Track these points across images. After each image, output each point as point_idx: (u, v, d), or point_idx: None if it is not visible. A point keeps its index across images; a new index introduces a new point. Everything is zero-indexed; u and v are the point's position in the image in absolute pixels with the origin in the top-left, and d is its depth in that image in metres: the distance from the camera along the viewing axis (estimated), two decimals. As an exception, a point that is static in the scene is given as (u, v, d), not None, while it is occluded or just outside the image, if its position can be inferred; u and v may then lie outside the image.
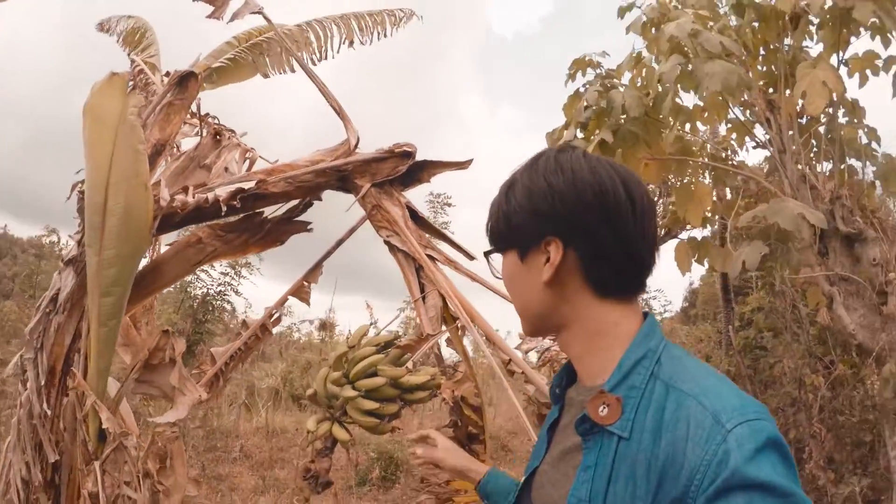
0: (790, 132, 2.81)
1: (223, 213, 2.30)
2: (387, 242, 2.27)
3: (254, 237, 2.55)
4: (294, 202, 2.56)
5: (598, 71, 3.31)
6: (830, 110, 2.98)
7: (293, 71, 3.51)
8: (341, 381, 1.62)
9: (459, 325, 2.10)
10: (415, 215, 2.33)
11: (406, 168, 2.32)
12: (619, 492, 0.67)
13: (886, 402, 2.25)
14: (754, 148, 3.21)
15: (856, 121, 2.78)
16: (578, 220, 0.77)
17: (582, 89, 3.28)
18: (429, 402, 1.71)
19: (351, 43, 3.46)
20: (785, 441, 0.62)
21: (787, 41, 2.79)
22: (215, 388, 2.70)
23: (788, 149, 2.75)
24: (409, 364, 1.69)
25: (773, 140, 2.80)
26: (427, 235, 2.33)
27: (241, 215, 2.56)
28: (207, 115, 2.98)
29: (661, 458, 0.64)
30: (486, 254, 0.91)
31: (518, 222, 0.81)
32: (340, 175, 2.40)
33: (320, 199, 2.53)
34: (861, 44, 2.45)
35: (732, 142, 3.48)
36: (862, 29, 2.38)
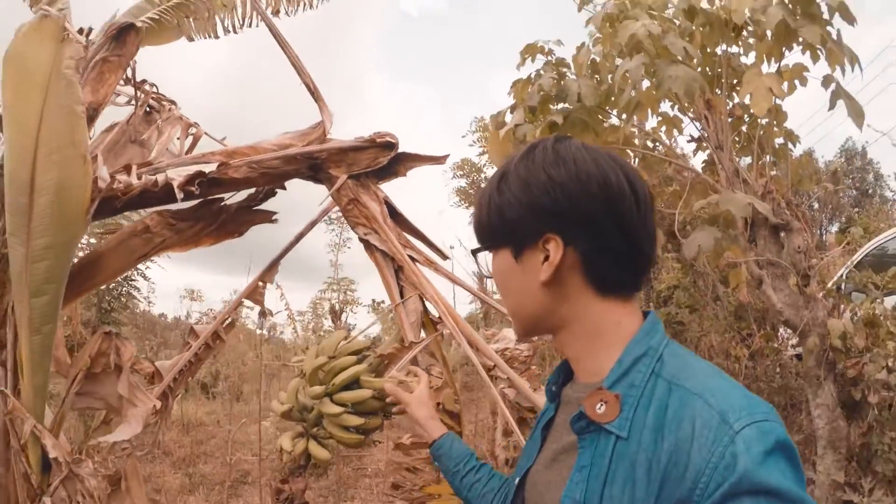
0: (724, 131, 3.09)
1: (180, 200, 1.97)
2: (363, 240, 2.10)
3: (209, 227, 2.27)
4: (251, 190, 2.29)
5: (549, 59, 3.41)
6: (753, 112, 3.33)
7: (217, 37, 3.23)
8: (320, 394, 1.49)
9: (444, 331, 2.00)
10: (393, 212, 2.17)
11: (387, 160, 2.14)
12: (615, 494, 0.64)
13: (809, 369, 2.62)
14: (688, 142, 3.50)
15: (776, 124, 3.13)
16: (582, 214, 0.72)
17: (533, 74, 3.37)
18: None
19: (277, 12, 3.24)
20: (793, 443, 0.60)
21: (723, 47, 3.05)
22: (164, 410, 2.41)
23: (725, 145, 3.03)
24: (393, 373, 1.58)
25: (710, 136, 3.07)
26: (404, 234, 2.17)
27: (195, 202, 2.32)
28: (144, 81, 2.64)
29: (663, 458, 0.61)
30: (475, 252, 0.86)
31: (513, 217, 0.76)
32: (312, 163, 2.17)
33: (284, 188, 2.30)
34: (791, 56, 2.82)
35: (661, 134, 3.75)
36: (795, 44, 2.68)
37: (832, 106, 2.60)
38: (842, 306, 2.75)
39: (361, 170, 2.14)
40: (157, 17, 3.14)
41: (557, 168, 0.73)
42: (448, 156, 2.55)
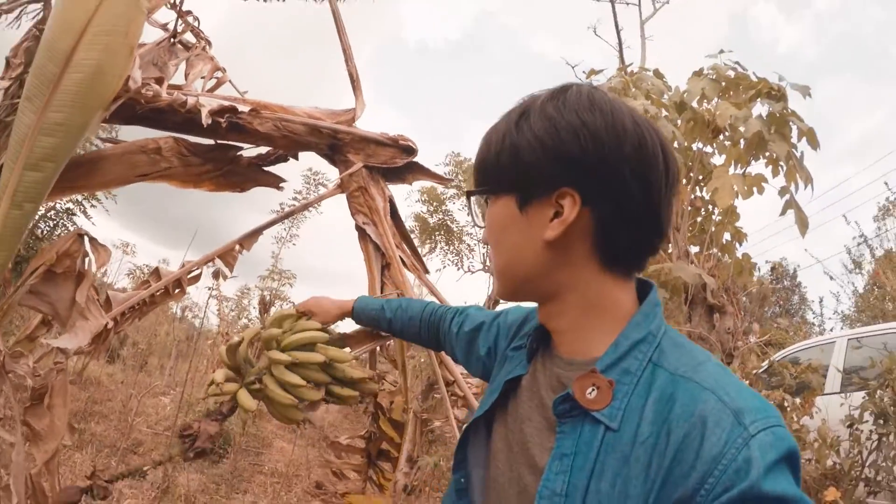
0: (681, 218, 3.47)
1: (204, 126, 1.95)
2: (359, 228, 2.12)
3: (216, 172, 2.25)
4: (264, 149, 2.30)
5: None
6: (711, 207, 3.75)
7: None
8: (271, 343, 1.41)
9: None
10: (394, 212, 2.20)
11: (403, 164, 2.20)
12: (603, 489, 0.59)
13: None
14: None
15: (728, 221, 3.54)
16: (610, 171, 0.64)
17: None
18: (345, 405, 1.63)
19: None
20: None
21: (699, 144, 3.47)
22: (102, 339, 2.31)
23: (681, 229, 3.39)
24: (349, 351, 1.51)
25: (670, 219, 3.43)
26: (399, 236, 2.20)
27: (210, 144, 2.32)
28: (190, 11, 2.67)
29: (668, 454, 0.56)
30: (470, 194, 0.76)
31: (529, 160, 0.66)
32: (334, 143, 2.21)
33: (297, 159, 2.32)
34: (755, 167, 3.27)
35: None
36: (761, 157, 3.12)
37: (783, 212, 3.01)
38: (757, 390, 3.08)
39: (377, 164, 2.18)
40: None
41: (592, 114, 0.64)
42: (453, 180, 2.68)
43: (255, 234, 2.29)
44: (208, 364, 6.39)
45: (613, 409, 0.61)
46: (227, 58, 2.65)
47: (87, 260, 2.18)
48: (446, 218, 10.13)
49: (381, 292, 2.06)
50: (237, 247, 2.29)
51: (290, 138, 2.16)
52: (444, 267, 9.98)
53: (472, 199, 0.76)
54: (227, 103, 2.03)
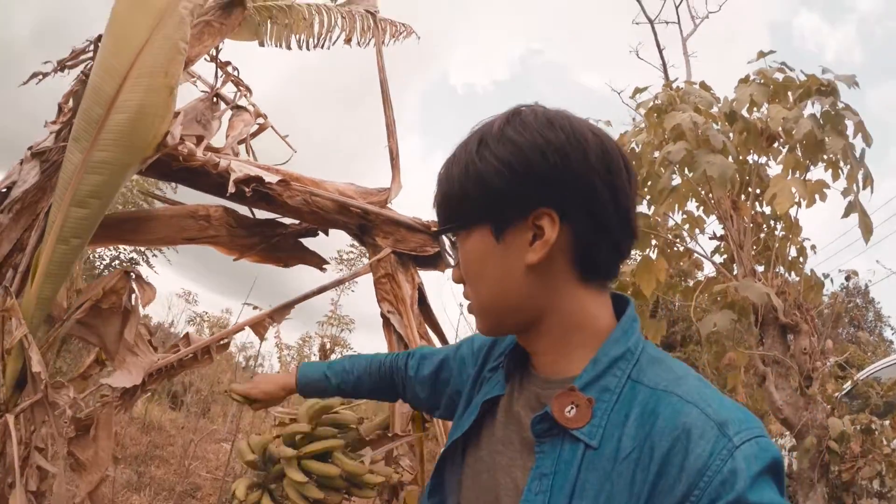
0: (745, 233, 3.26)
1: (227, 194, 1.97)
2: (384, 317, 2.05)
3: (261, 245, 2.27)
4: (295, 222, 2.28)
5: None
6: (773, 222, 3.51)
7: (289, 48, 3.39)
8: (290, 456, 1.45)
9: (430, 434, 1.94)
10: (422, 300, 2.13)
11: (434, 252, 2.09)
12: None
13: (802, 471, 2.60)
14: (710, 239, 3.66)
15: (790, 236, 3.29)
16: (583, 185, 0.63)
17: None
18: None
19: (349, 41, 3.41)
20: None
21: (754, 157, 3.29)
22: (130, 399, 2.34)
23: (745, 246, 3.18)
24: (368, 458, 1.55)
25: (732, 236, 3.23)
26: (425, 325, 2.12)
27: (263, 218, 2.24)
28: (229, 62, 2.79)
29: (653, 469, 0.55)
30: (439, 233, 0.73)
31: (499, 187, 0.64)
32: (363, 223, 2.13)
33: (326, 234, 2.29)
34: (814, 173, 3.06)
35: (685, 231, 3.91)
36: (820, 163, 2.91)
37: (846, 214, 2.77)
38: (840, 413, 2.79)
39: (406, 250, 2.09)
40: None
41: (554, 131, 0.64)
42: None
43: (287, 307, 2.27)
44: (266, 413, 6.43)
45: (593, 426, 0.60)
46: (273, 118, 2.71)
47: (133, 297, 2.24)
48: None
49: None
50: (268, 319, 2.29)
51: (319, 214, 2.13)
52: None
53: (442, 238, 0.74)
54: (254, 172, 2.03)
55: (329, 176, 2.24)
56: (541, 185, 0.63)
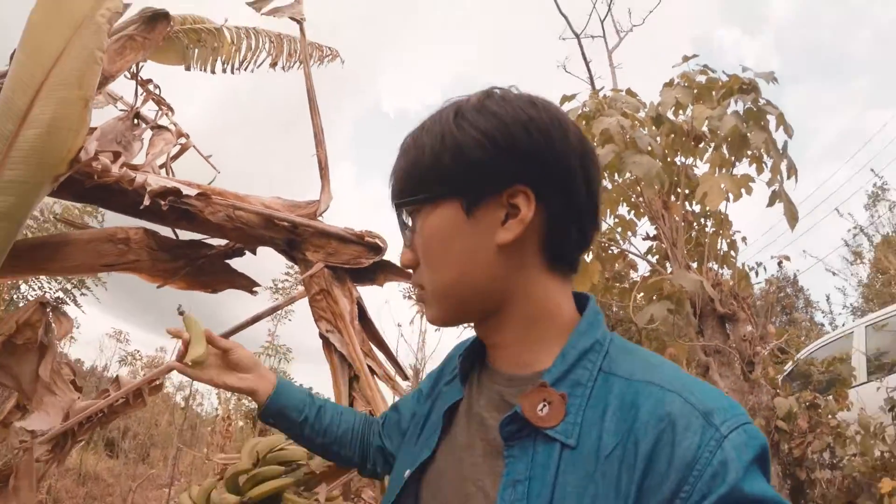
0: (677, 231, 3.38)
1: (140, 208, 1.84)
2: (323, 337, 1.94)
3: (185, 269, 2.12)
4: (221, 242, 2.16)
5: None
6: (703, 220, 3.66)
7: (213, 72, 3.33)
8: (232, 502, 1.36)
9: None
10: (363, 315, 2.03)
11: (369, 263, 2.01)
12: None
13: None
14: (644, 240, 3.77)
15: (721, 231, 3.44)
16: (563, 165, 0.61)
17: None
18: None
19: (274, 64, 3.38)
20: None
21: (681, 158, 3.43)
22: (61, 451, 2.09)
23: (679, 243, 3.29)
24: (322, 496, 1.49)
25: (665, 234, 3.34)
26: (369, 342, 2.03)
27: (186, 239, 2.12)
28: (151, 80, 2.68)
29: (639, 465, 0.51)
30: (401, 205, 0.66)
31: (479, 159, 0.60)
32: (291, 238, 2.03)
33: (254, 253, 2.16)
34: (740, 168, 3.22)
35: (617, 234, 4.02)
36: (744, 158, 3.06)
37: (771, 203, 2.92)
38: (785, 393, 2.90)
39: (340, 263, 2.00)
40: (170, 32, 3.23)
41: (536, 110, 0.62)
42: None
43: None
44: (208, 451, 6.13)
45: (568, 424, 0.56)
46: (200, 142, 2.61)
47: (50, 331, 2.08)
48: None
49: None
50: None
51: (244, 230, 2.01)
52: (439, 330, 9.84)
53: (399, 214, 0.67)
54: (171, 184, 1.89)
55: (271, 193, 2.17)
56: (521, 161, 0.60)
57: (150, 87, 2.72)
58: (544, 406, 0.57)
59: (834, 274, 11.12)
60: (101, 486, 5.02)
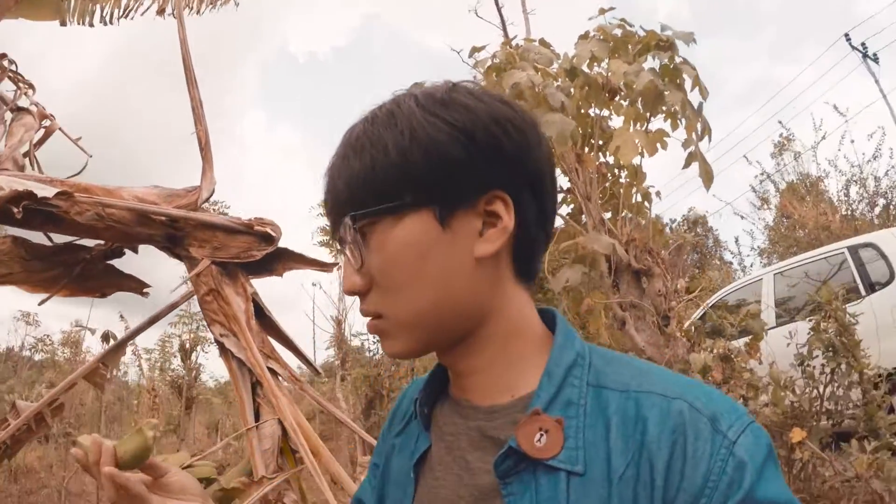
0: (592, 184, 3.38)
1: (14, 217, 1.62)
2: (218, 342, 1.81)
3: (67, 276, 1.94)
4: (99, 242, 1.97)
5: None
6: (617, 171, 3.68)
7: (92, 25, 2.99)
8: None
9: (300, 466, 1.72)
10: (260, 312, 1.90)
11: (262, 255, 1.86)
12: None
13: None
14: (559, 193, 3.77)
15: (635, 183, 3.47)
16: (535, 170, 0.56)
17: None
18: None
19: (161, 11, 3.06)
20: None
21: (596, 110, 3.38)
22: None
23: (592, 197, 3.30)
24: None
25: (578, 188, 3.34)
26: (270, 339, 1.91)
27: (61, 243, 1.92)
28: (5, 55, 2.36)
29: (657, 484, 0.48)
30: (357, 217, 0.54)
31: (458, 159, 0.52)
32: (172, 233, 1.86)
33: (135, 251, 1.98)
34: (655, 123, 3.22)
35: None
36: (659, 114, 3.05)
37: (687, 165, 2.95)
38: (699, 346, 3.04)
39: (229, 258, 1.85)
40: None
41: (510, 107, 0.56)
42: (337, 265, 2.35)
43: (120, 348, 2.05)
44: (136, 425, 5.98)
45: (570, 450, 0.51)
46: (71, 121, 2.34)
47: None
48: None
49: (256, 419, 1.73)
50: (101, 366, 2.03)
51: (117, 230, 1.82)
52: None
53: (348, 228, 0.55)
54: (23, 187, 1.65)
55: (164, 173, 1.96)
56: (500, 164, 0.54)
57: (5, 62, 2.41)
58: (541, 436, 0.52)
59: (742, 217, 11.62)
60: (34, 479, 4.83)
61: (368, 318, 0.58)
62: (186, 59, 2.15)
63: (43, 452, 5.75)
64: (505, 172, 0.54)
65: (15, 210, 1.71)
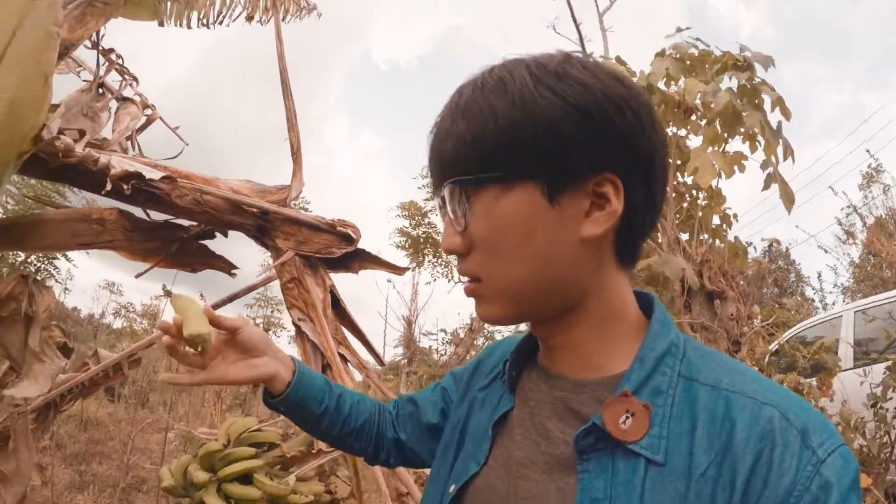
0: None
1: (102, 192, 1.81)
2: (296, 325, 1.93)
3: (164, 250, 2.11)
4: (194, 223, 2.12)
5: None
6: (695, 192, 3.59)
7: (189, 27, 3.20)
8: (205, 482, 1.39)
9: None
10: (336, 303, 2.01)
11: (341, 254, 1.97)
12: None
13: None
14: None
15: (713, 205, 3.38)
16: (648, 153, 0.54)
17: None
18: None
19: (250, 18, 3.23)
20: None
21: (673, 129, 3.32)
22: (44, 421, 2.21)
23: (668, 216, 3.24)
24: (292, 479, 1.50)
25: (655, 206, 3.28)
26: (343, 329, 2.01)
27: (161, 220, 2.10)
28: (112, 49, 2.58)
29: (738, 488, 0.47)
30: (463, 183, 0.54)
31: (569, 135, 0.51)
32: (261, 224, 1.99)
33: (225, 235, 2.12)
34: (732, 145, 3.10)
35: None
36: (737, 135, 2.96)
37: (766, 186, 2.84)
38: (770, 377, 2.93)
39: (310, 252, 1.96)
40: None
41: (626, 87, 0.54)
42: (409, 268, 2.41)
43: None
44: (205, 397, 6.34)
45: (653, 438, 0.50)
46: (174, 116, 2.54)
47: (34, 302, 2.12)
48: (430, 230, 10.05)
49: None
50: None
51: (212, 216, 1.97)
52: (435, 279, 9.90)
53: (454, 192, 0.55)
54: (134, 168, 1.84)
55: (249, 168, 2.12)
56: (612, 144, 0.52)
57: (113, 56, 2.62)
58: (627, 418, 0.51)
59: (826, 251, 11.05)
60: (102, 431, 5.24)
61: (465, 280, 0.59)
62: (283, 71, 2.30)
63: (113, 409, 6.20)
64: (617, 154, 0.52)
65: (125, 187, 1.88)
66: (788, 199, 2.80)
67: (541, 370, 0.62)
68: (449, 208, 0.56)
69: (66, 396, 2.33)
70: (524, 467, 0.57)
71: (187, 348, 0.71)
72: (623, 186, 0.53)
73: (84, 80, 2.38)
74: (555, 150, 0.51)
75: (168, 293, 0.81)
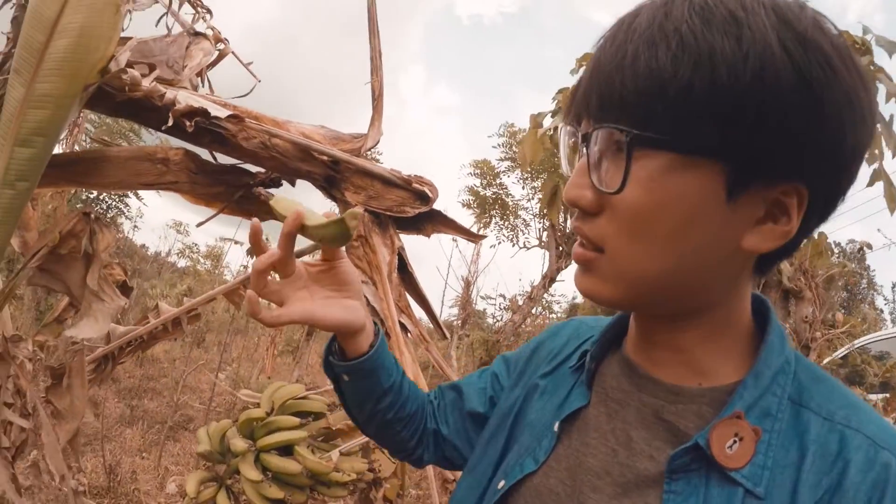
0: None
1: (162, 127, 1.74)
2: None
3: (228, 196, 2.01)
4: (261, 170, 2.01)
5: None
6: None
7: None
8: (243, 450, 1.33)
9: None
10: (402, 266, 1.86)
11: (415, 213, 1.83)
12: None
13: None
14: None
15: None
16: (850, 167, 0.44)
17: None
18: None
19: None
20: None
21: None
22: (102, 371, 2.21)
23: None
24: (336, 454, 1.42)
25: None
26: (407, 296, 1.87)
27: (227, 164, 2.13)
28: None
29: None
30: (637, 140, 0.42)
31: (786, 125, 0.40)
32: (330, 174, 1.87)
33: (292, 185, 2.00)
34: None
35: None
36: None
37: (871, 183, 2.58)
38: None
39: (380, 209, 1.83)
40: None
41: (865, 89, 0.42)
42: (486, 236, 2.31)
43: None
44: (259, 341, 6.51)
45: (756, 466, 0.45)
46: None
47: (94, 240, 2.13)
48: (501, 192, 9.86)
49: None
50: (241, 288, 2.20)
51: (279, 161, 1.84)
52: (500, 243, 9.79)
53: (613, 139, 0.44)
54: (199, 104, 1.74)
55: (324, 117, 2.02)
56: (824, 153, 0.42)
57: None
58: (734, 442, 0.45)
59: None
60: (157, 367, 5.48)
61: (579, 243, 0.49)
62: (371, 7, 2.16)
63: (169, 347, 6.47)
64: (821, 166, 0.42)
65: (188, 124, 1.82)
66: (892, 198, 2.51)
67: (626, 365, 0.54)
68: (596, 155, 0.45)
69: (124, 349, 2.36)
70: (596, 478, 0.50)
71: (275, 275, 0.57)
72: (808, 204, 0.43)
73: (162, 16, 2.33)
74: (769, 134, 0.40)
75: (230, 240, 0.69)
